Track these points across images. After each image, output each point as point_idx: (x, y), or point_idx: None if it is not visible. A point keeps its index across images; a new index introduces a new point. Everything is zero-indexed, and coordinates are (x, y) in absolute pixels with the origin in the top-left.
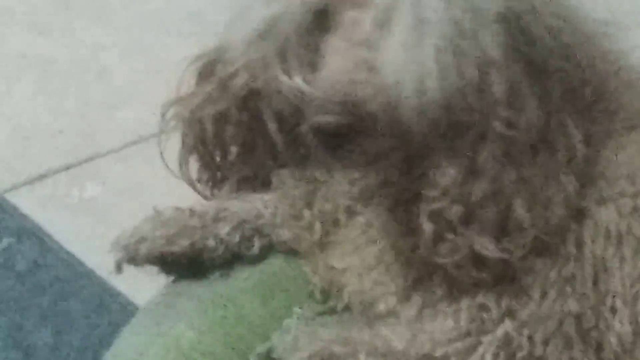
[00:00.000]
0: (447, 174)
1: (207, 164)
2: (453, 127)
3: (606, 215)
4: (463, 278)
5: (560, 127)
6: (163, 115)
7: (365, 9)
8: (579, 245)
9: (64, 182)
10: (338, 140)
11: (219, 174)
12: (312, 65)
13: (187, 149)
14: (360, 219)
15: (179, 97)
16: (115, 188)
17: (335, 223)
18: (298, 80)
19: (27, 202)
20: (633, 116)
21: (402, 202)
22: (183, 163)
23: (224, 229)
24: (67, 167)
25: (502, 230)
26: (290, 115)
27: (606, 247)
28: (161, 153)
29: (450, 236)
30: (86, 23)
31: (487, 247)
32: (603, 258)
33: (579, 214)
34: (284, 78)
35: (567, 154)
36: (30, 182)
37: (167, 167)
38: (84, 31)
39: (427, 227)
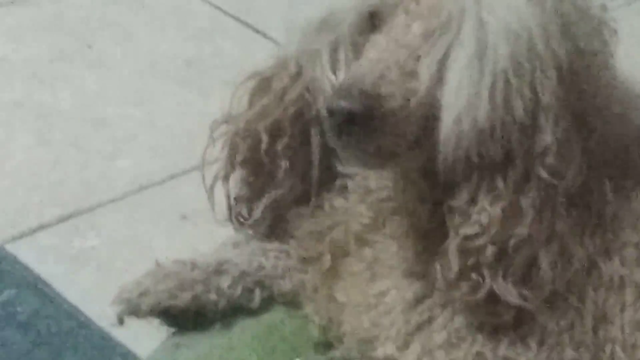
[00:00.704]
0: (488, 212)
1: (255, 176)
2: (490, 162)
3: (610, 267)
4: (478, 317)
5: (599, 186)
6: (212, 133)
7: (416, 17)
8: (582, 297)
9: (64, 233)
10: (352, 129)
11: (258, 191)
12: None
13: (233, 165)
14: (369, 252)
15: (229, 115)
16: (115, 238)
17: (345, 253)
18: (337, 76)
19: (27, 253)
20: None
21: (419, 232)
22: (225, 180)
23: (225, 282)
24: (67, 217)
25: (524, 277)
26: None
27: (608, 296)
28: (203, 175)
29: (475, 275)
30: (85, 72)
31: (510, 293)
32: (604, 307)
33: (606, 253)
34: (332, 77)
35: (598, 213)
36: (30, 232)
37: (208, 192)
38: (83, 80)
39: (455, 263)
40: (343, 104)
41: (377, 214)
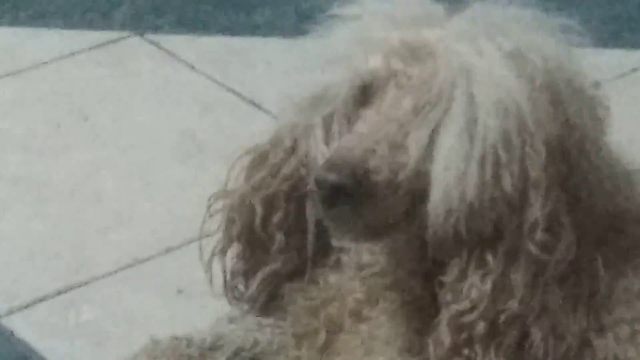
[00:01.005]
0: (478, 288)
1: (251, 250)
2: (479, 237)
3: (604, 344)
4: None
5: (590, 262)
6: (208, 208)
7: (406, 92)
8: None
9: (60, 306)
10: (340, 202)
11: (254, 265)
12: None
13: (230, 239)
14: (364, 327)
15: (225, 190)
16: (111, 311)
17: (340, 328)
18: (330, 149)
19: (23, 327)
20: (635, 244)
21: (413, 306)
22: (221, 254)
23: (221, 358)
24: (63, 291)
25: (516, 353)
26: None
27: None
28: (200, 250)
29: (467, 351)
30: (81, 145)
31: None
32: None
33: (599, 330)
34: (325, 150)
35: (590, 289)
36: (27, 306)
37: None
38: (79, 153)
39: (447, 339)
40: (331, 177)
41: (370, 289)
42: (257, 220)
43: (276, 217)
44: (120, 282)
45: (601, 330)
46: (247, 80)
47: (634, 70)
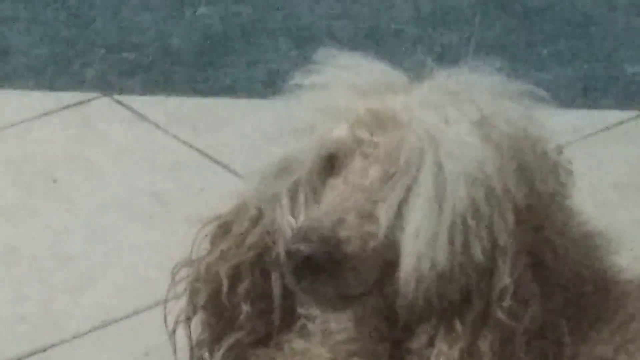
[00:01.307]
0: (446, 356)
1: (216, 319)
2: (448, 303)
3: None
4: None
5: (555, 330)
6: (173, 277)
7: (373, 161)
8: None
9: None
10: (312, 273)
11: (219, 334)
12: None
13: (194, 308)
14: None
15: (190, 259)
16: None
17: None
18: (296, 219)
19: None
20: (598, 309)
21: None
22: (186, 323)
23: None
24: (30, 354)
25: None
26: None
27: None
28: (165, 318)
29: None
30: (49, 208)
31: None
32: None
33: None
34: (292, 220)
35: (554, 355)
36: None
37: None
38: (47, 216)
39: None
40: (302, 247)
41: (336, 355)
42: (223, 290)
43: (242, 287)
44: (87, 345)
45: None
46: (215, 141)
47: (600, 130)
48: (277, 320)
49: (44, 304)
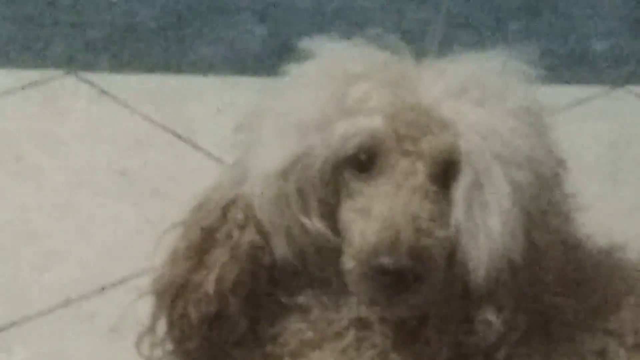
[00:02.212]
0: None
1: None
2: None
3: None
4: None
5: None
6: (152, 288)
7: (416, 159)
8: None
9: None
10: (404, 286)
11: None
12: (330, 207)
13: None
14: None
15: (170, 274)
16: (43, 352)
17: None
18: (318, 224)
19: None
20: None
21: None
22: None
23: None
24: None
25: None
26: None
27: None
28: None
29: None
30: (14, 185)
31: None
32: None
33: None
34: (305, 220)
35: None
36: None
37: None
38: (12, 193)
39: None
40: (393, 262)
41: (320, 334)
42: (212, 297)
43: (234, 299)
44: (53, 322)
45: None
46: (180, 118)
47: (571, 106)
48: (262, 313)
49: (8, 281)
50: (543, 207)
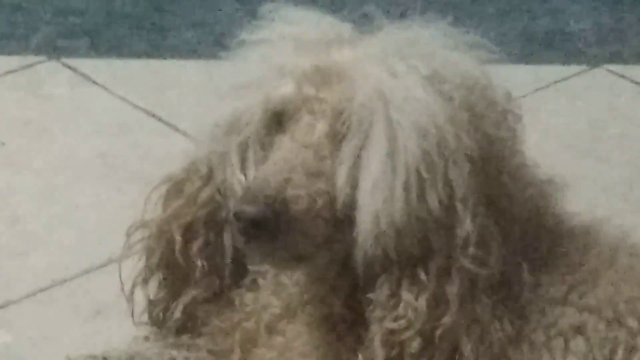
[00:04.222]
0: (414, 306)
1: (172, 277)
2: (409, 256)
3: (520, 353)
4: None
5: (516, 271)
6: (128, 238)
7: (319, 117)
8: None
9: None
10: (260, 234)
11: (175, 292)
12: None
13: (150, 269)
14: (280, 340)
15: (143, 220)
16: (28, 334)
17: (255, 344)
18: (246, 176)
19: None
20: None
21: (332, 320)
22: (142, 283)
23: None
24: None
25: None
26: None
27: None
28: (120, 278)
29: None
30: None
31: None
32: None
33: (516, 340)
34: (241, 177)
35: (515, 297)
36: None
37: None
38: None
39: (380, 355)
40: (249, 209)
41: (288, 304)
42: (177, 249)
43: (195, 245)
44: (37, 305)
45: (518, 337)
46: (161, 102)
47: (548, 85)
48: (228, 276)
49: None
50: (442, 171)
